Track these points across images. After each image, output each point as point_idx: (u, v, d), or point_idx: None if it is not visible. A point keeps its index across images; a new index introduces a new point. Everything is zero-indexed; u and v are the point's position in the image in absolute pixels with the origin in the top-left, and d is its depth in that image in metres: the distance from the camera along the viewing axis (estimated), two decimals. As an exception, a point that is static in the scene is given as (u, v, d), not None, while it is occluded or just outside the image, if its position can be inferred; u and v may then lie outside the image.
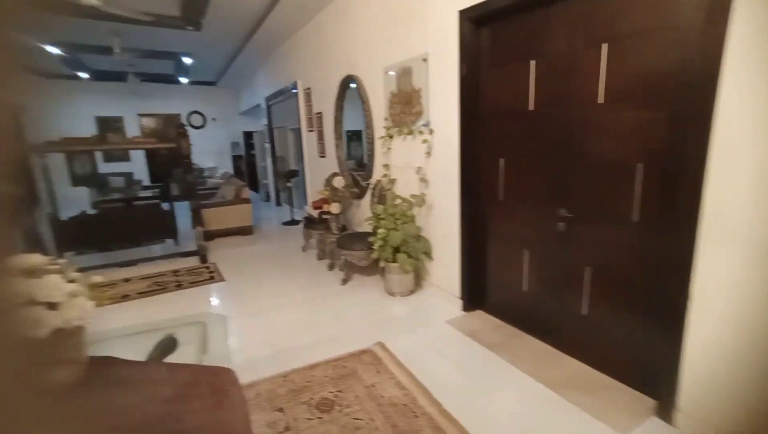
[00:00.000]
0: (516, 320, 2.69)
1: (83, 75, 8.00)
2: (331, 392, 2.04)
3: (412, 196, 3.31)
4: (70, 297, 1.02)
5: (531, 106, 2.33)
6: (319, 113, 5.21)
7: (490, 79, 2.61)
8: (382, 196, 3.84)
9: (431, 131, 3.05)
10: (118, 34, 5.28)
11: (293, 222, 6.47)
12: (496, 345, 2.48)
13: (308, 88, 5.48)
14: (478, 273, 2.94)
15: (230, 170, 10.75)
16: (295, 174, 6.33)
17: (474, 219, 2.87)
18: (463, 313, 2.97)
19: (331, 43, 4.57)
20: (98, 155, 9.61)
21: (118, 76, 8.28)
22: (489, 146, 2.69)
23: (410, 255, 3.19)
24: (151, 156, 10.18)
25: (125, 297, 3.58)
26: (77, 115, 9.18)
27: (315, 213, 4.66)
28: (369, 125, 3.93)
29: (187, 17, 4.70)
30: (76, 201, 7.17)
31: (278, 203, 8.41)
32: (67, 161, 8.99)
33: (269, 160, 8.33)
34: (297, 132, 6.35)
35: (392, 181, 3.72)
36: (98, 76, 8.21)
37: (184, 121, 10.35)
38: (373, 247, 3.28)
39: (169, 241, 5.04)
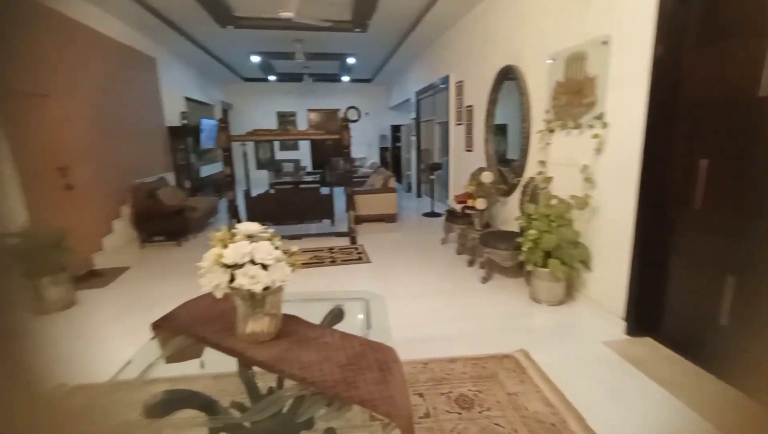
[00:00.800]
0: (702, 359, 2.18)
1: (271, 78, 9.62)
2: (470, 390, 2.01)
3: (572, 197, 2.97)
4: (276, 261, 1.23)
5: (763, 92, 1.81)
6: (470, 106, 5.12)
7: (696, 59, 2.12)
8: (534, 195, 3.57)
9: (605, 125, 2.66)
10: (300, 40, 6.15)
11: (433, 214, 6.58)
12: (669, 382, 2.05)
13: (460, 82, 5.43)
14: (652, 294, 2.48)
15: (377, 160, 11.55)
16: (439, 167, 6.40)
17: (654, 229, 2.41)
18: (627, 337, 2.55)
19: (489, 34, 4.41)
20: (276, 144, 11.51)
21: (296, 78, 9.69)
22: (687, 142, 2.21)
23: (564, 262, 2.89)
24: (315, 146, 11.70)
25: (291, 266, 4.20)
26: (264, 110, 11.17)
27: (458, 207, 4.64)
28: (525, 118, 3.67)
29: (357, 20, 5.16)
30: (258, 182, 8.76)
31: (419, 195, 8.68)
32: (255, 148, 11.04)
33: (414, 152, 8.64)
34: (444, 126, 6.39)
35: (548, 179, 3.41)
36: (282, 78, 9.76)
37: (341, 115, 11.57)
38: (521, 248, 3.08)
39: (326, 221, 5.71)
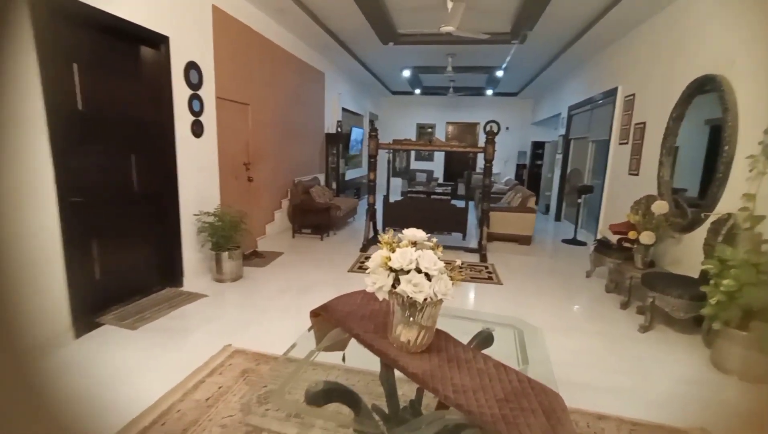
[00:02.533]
0: None
1: (417, 91, 10.02)
2: (628, 461, 1.67)
3: (798, 246, 2.27)
4: (440, 273, 1.21)
5: None
6: (641, 123, 4.41)
7: None
8: (730, 235, 2.85)
9: None
10: (453, 54, 6.24)
11: (575, 242, 5.89)
12: None
13: (630, 96, 4.73)
14: None
15: (512, 177, 10.96)
16: (590, 190, 5.69)
17: None
18: None
19: (681, 40, 3.72)
20: (412, 154, 11.92)
21: (441, 91, 9.89)
22: None
23: (775, 329, 2.21)
24: (449, 159, 11.73)
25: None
26: (406, 122, 11.71)
27: (613, 238, 4.03)
28: (729, 140, 2.96)
29: (516, 31, 4.97)
30: (393, 189, 9.17)
31: (557, 218, 7.89)
32: (391, 157, 11.64)
33: (557, 171, 7.90)
34: (602, 144, 5.66)
35: (757, 218, 2.68)
36: (426, 91, 10.08)
37: (480, 129, 11.33)
38: (707, 299, 2.47)
39: (456, 235, 5.62)
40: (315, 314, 1.61)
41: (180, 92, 3.38)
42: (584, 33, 5.00)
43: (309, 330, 1.60)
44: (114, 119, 2.93)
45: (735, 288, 2.34)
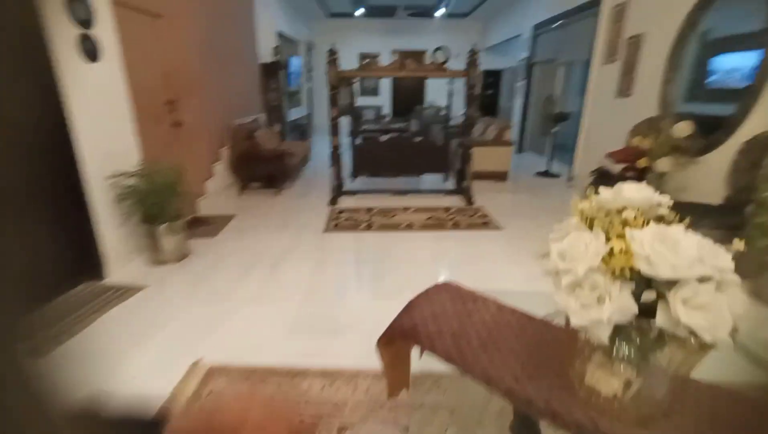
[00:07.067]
0: None
1: (359, 12, 8.67)
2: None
3: None
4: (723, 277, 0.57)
5: None
6: (635, 36, 3.96)
7: None
8: (762, 156, 2.57)
9: None
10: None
11: (548, 174, 5.64)
12: None
13: (620, 5, 4.22)
14: None
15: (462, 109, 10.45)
16: (566, 117, 5.34)
17: None
18: None
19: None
20: (356, 89, 10.76)
21: (387, 12, 8.66)
22: None
23: None
24: (396, 92, 10.80)
25: (409, 226, 3.65)
26: (346, 51, 10.31)
27: (614, 168, 3.71)
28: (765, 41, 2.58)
29: None
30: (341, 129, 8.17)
31: (519, 150, 7.64)
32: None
33: (518, 101, 7.49)
34: (577, 66, 5.23)
35: (803, 135, 2.39)
36: (371, 12, 8.77)
37: (428, 58, 10.42)
38: (747, 231, 2.19)
39: (428, 177, 5.05)
40: (387, 341, 0.93)
41: (45, -14, 2.13)
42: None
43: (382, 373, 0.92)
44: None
45: (804, 217, 2.06)
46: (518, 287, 2.52)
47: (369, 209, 4.10)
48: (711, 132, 3.01)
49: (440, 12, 8.65)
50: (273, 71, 6.06)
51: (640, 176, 3.32)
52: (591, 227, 0.66)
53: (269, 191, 4.75)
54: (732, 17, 3.04)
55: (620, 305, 0.57)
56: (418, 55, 10.54)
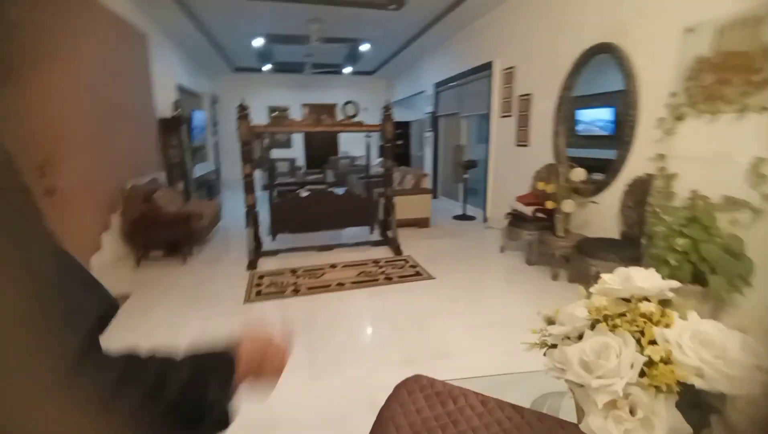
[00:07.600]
0: None
1: (266, 68, 8.64)
2: None
3: (728, 198, 2.41)
4: None
5: None
6: (526, 95, 4.51)
7: None
8: (644, 196, 2.99)
9: (797, 106, 2.09)
10: (318, 20, 5.33)
11: (465, 217, 5.95)
12: None
13: (510, 68, 4.81)
14: None
15: (377, 159, 10.80)
16: (474, 165, 5.76)
17: None
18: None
19: (572, 7, 3.76)
20: (266, 143, 10.49)
21: (295, 68, 8.77)
22: None
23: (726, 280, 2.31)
24: (309, 143, 10.79)
25: (341, 285, 3.42)
26: (255, 105, 10.10)
27: (525, 210, 4.01)
28: (632, 104, 3.08)
29: (395, -6, 4.43)
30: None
31: (434, 195, 8.01)
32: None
33: (428, 150, 7.97)
34: (477, 119, 5.76)
35: (670, 177, 2.83)
36: (278, 68, 8.80)
37: (339, 111, 10.72)
38: (665, 260, 2.47)
39: (349, 230, 4.93)
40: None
41: None
42: (460, 3, 4.82)
43: None
44: None
45: (690, 247, 2.37)
46: (466, 350, 2.45)
47: (294, 270, 3.78)
48: (601, 172, 3.47)
49: (347, 70, 9.05)
50: (174, 126, 5.57)
51: (549, 216, 3.62)
52: (606, 323, 0.56)
53: (174, 259, 4.15)
54: (590, 81, 3.67)
55: (672, 426, 0.47)
56: (329, 109, 10.81)
